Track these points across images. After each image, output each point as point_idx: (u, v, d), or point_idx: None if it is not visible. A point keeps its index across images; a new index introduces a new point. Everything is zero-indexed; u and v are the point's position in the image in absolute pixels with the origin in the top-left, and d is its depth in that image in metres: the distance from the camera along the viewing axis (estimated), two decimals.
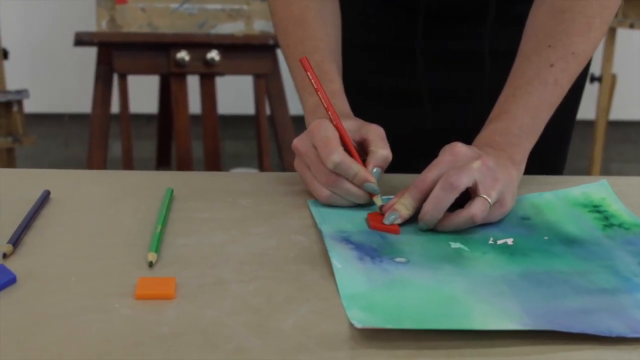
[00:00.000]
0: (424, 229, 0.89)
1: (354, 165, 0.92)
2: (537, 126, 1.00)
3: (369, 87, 1.29)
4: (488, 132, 0.99)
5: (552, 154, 1.29)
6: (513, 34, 1.11)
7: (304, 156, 0.96)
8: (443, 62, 1.24)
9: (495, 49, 1.23)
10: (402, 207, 0.90)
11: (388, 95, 1.28)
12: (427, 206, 0.88)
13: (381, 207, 0.92)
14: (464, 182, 0.87)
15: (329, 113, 0.95)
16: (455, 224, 0.88)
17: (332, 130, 0.94)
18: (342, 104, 1.04)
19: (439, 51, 1.24)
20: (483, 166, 0.89)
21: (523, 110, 0.99)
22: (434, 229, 0.89)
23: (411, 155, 1.16)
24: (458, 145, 0.92)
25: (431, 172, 0.90)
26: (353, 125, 0.98)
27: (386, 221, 0.89)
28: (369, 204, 0.94)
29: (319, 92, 0.96)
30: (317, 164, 0.94)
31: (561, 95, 1.02)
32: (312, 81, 0.97)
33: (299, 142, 0.96)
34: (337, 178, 0.93)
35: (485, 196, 0.88)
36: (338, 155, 0.92)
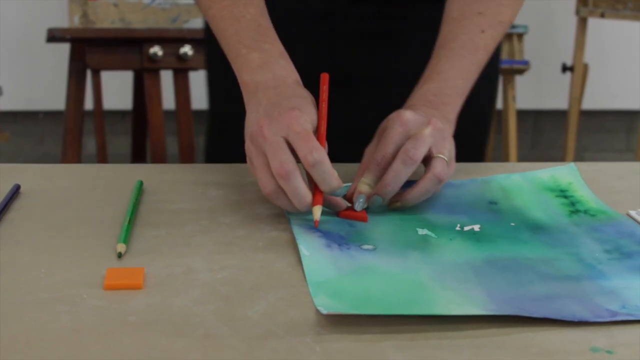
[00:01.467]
0: (378, 204, 0.90)
1: (330, 169, 0.87)
2: (467, 88, 1.04)
3: None
4: (423, 91, 1.01)
5: (476, 139, 1.30)
6: (434, 15, 1.13)
7: (268, 143, 0.87)
8: (363, 42, 1.21)
9: (416, 30, 1.21)
10: (366, 186, 0.90)
11: (306, 77, 1.15)
12: (386, 179, 0.89)
13: (345, 195, 0.91)
14: (421, 153, 0.89)
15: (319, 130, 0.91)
16: (424, 191, 0.90)
17: (309, 125, 0.88)
18: (290, 66, 0.97)
19: (359, 32, 1.21)
20: (434, 130, 0.91)
21: (456, 72, 1.03)
22: (403, 209, 0.90)
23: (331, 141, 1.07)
24: (405, 113, 0.93)
25: (387, 146, 0.91)
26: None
27: (357, 207, 0.90)
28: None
29: (322, 106, 0.93)
30: (280, 153, 0.86)
31: (487, 59, 1.07)
32: (323, 99, 0.94)
33: (267, 129, 0.88)
34: (294, 173, 0.85)
35: (441, 155, 0.91)
36: (320, 154, 0.85)
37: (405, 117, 0.92)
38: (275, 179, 0.86)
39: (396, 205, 0.91)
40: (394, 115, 0.94)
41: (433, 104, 0.99)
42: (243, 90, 0.97)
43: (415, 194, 0.90)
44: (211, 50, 1.26)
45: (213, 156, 1.31)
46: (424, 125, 0.91)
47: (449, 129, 0.97)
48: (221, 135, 1.30)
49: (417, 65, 1.07)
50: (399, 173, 0.89)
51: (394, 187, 0.89)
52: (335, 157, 0.91)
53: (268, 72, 0.95)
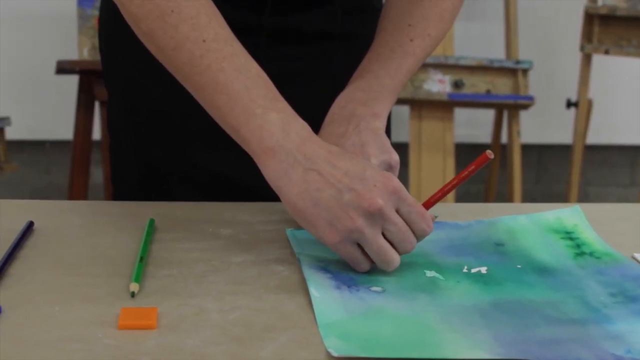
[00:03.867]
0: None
1: None
2: (396, 87, 1.07)
3: None
4: (351, 89, 1.05)
5: None
6: (364, 18, 1.16)
7: (391, 222, 0.85)
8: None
9: (345, 32, 1.22)
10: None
11: None
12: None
13: None
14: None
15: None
16: None
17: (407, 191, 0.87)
18: (306, 124, 0.91)
19: (287, 30, 1.18)
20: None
21: (385, 72, 1.06)
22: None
23: None
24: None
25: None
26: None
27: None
28: None
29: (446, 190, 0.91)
30: (407, 231, 0.86)
31: (417, 66, 1.10)
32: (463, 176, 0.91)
33: (385, 206, 0.84)
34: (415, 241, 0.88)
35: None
36: (432, 225, 0.88)
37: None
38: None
39: None
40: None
41: (361, 100, 1.02)
42: (262, 156, 0.88)
43: None
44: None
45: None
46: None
47: (375, 123, 1.01)
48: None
49: None
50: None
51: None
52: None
53: (293, 135, 0.88)
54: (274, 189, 0.88)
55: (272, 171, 0.88)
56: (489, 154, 0.86)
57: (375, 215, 0.84)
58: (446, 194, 0.90)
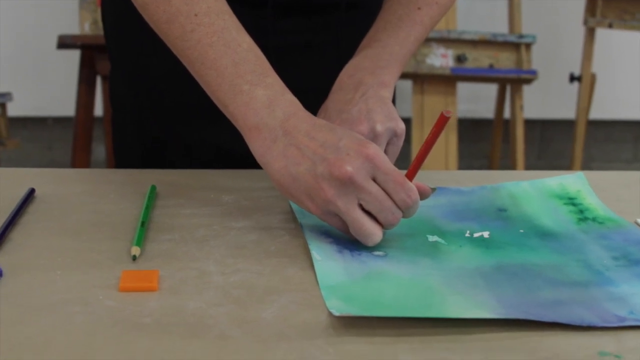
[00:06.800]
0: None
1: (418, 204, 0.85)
2: (404, 56, 1.06)
3: None
4: (359, 58, 1.04)
5: None
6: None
7: (365, 192, 0.81)
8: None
9: (351, 2, 1.21)
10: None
11: None
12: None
13: None
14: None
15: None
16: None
17: (389, 161, 0.83)
18: (295, 99, 0.90)
19: (292, 2, 1.16)
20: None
21: (393, 40, 1.06)
22: None
23: None
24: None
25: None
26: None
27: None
28: None
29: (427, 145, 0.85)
30: (387, 203, 0.82)
31: (425, 35, 1.10)
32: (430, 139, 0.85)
33: (357, 174, 0.81)
34: (400, 213, 0.84)
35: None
36: (416, 195, 0.83)
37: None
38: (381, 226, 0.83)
39: None
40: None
41: (369, 69, 1.02)
42: (247, 133, 0.89)
43: None
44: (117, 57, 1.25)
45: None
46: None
47: (383, 92, 1.00)
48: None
49: None
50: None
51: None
52: None
53: (278, 111, 0.87)
54: (261, 165, 0.88)
55: (257, 148, 0.87)
56: (446, 112, 0.84)
57: (346, 185, 0.81)
58: (422, 161, 0.86)
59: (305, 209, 0.85)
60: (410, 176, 0.85)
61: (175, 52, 0.94)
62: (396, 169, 0.82)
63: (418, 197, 0.83)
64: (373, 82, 1.00)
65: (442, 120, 0.83)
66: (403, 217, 0.84)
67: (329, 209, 0.83)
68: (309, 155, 0.83)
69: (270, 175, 0.87)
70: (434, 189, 0.88)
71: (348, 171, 0.80)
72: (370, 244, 0.83)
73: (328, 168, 0.81)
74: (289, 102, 0.89)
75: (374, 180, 0.82)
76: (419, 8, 1.08)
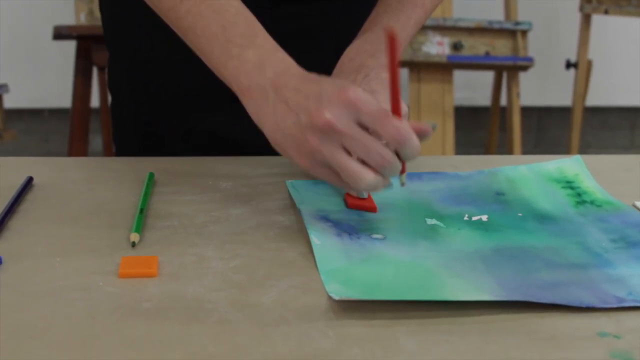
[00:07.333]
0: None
1: (417, 140, 0.81)
2: (405, 39, 1.07)
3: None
4: (360, 41, 1.03)
5: None
6: (361, 10, 1.14)
7: (348, 136, 0.79)
8: (293, 43, 1.12)
9: (344, 26, 1.20)
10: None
11: None
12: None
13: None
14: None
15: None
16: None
17: (374, 101, 0.81)
18: (288, 57, 0.90)
19: (288, 33, 1.12)
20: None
21: (393, 24, 1.05)
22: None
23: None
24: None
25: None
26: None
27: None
28: None
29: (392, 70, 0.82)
30: (372, 144, 0.80)
31: (425, 18, 1.09)
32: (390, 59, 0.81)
33: (336, 119, 0.79)
34: (394, 157, 0.81)
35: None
36: (408, 130, 0.80)
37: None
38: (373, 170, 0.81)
39: None
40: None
41: (369, 51, 1.01)
42: (242, 96, 0.89)
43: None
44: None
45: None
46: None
47: (383, 74, 0.97)
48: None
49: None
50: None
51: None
52: None
53: (268, 70, 0.87)
54: (258, 126, 0.88)
55: (251, 110, 0.87)
56: (387, 28, 0.83)
57: (328, 132, 0.80)
58: (398, 90, 0.82)
59: (298, 165, 0.85)
60: (395, 110, 0.83)
61: (169, 24, 0.94)
62: (381, 106, 0.80)
63: (409, 131, 0.80)
64: (374, 65, 1.00)
65: (390, 39, 0.79)
66: (404, 158, 0.82)
67: (316, 158, 0.82)
68: (294, 108, 0.83)
69: (266, 135, 0.86)
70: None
71: (327, 118, 0.79)
72: (363, 188, 0.81)
73: (310, 118, 0.80)
74: (279, 60, 0.88)
75: (361, 124, 0.80)
76: None
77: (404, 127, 0.79)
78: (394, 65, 0.80)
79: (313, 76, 0.85)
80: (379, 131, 0.80)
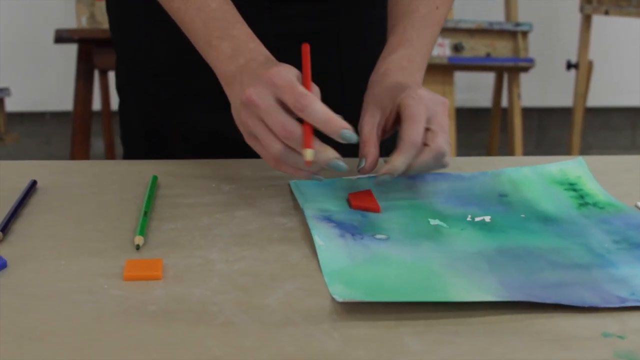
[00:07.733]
0: (388, 181, 0.91)
1: (324, 109, 0.86)
2: (428, 58, 1.08)
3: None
4: (397, 57, 1.04)
5: None
6: (364, 10, 1.15)
7: (262, 109, 0.87)
8: (295, 44, 1.13)
9: (346, 26, 1.21)
10: (403, 166, 0.90)
11: None
12: (415, 167, 0.91)
13: (361, 169, 0.92)
14: (448, 146, 0.92)
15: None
16: (425, 165, 0.92)
17: (291, 76, 0.88)
18: (260, 47, 0.96)
19: (290, 34, 1.17)
20: (444, 108, 0.94)
21: (422, 41, 1.07)
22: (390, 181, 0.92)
23: None
24: (418, 91, 0.94)
25: (418, 127, 0.91)
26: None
27: (379, 182, 0.93)
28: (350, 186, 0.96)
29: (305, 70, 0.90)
30: (277, 115, 0.86)
31: (438, 36, 1.12)
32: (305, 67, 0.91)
33: (256, 96, 0.87)
34: (297, 129, 0.85)
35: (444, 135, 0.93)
36: (307, 98, 0.85)
37: (421, 95, 0.94)
38: (281, 141, 0.87)
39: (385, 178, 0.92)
40: (411, 93, 0.94)
41: (407, 70, 1.02)
42: (222, 83, 0.96)
43: (418, 166, 0.92)
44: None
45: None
46: (438, 105, 0.93)
47: (421, 91, 0.98)
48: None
49: (349, 61, 1.10)
50: (429, 165, 0.92)
51: (417, 173, 0.93)
52: None
53: (240, 58, 0.94)
54: None
55: (228, 95, 0.95)
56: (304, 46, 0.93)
57: (249, 105, 0.88)
58: (309, 75, 0.90)
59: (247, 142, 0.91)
60: (306, 85, 0.89)
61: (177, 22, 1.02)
62: (297, 84, 0.86)
63: (312, 101, 0.85)
64: (412, 83, 1.00)
65: (305, 52, 0.91)
66: (327, 133, 0.85)
67: (245, 130, 0.90)
68: (244, 90, 0.89)
69: None
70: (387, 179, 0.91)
71: (247, 93, 0.87)
72: (272, 156, 0.88)
73: (242, 96, 0.88)
74: (250, 49, 0.95)
75: (281, 101, 0.87)
76: (437, 7, 1.09)
77: (305, 97, 0.85)
78: (307, 70, 0.90)
79: (271, 63, 0.92)
80: (284, 100, 0.86)
